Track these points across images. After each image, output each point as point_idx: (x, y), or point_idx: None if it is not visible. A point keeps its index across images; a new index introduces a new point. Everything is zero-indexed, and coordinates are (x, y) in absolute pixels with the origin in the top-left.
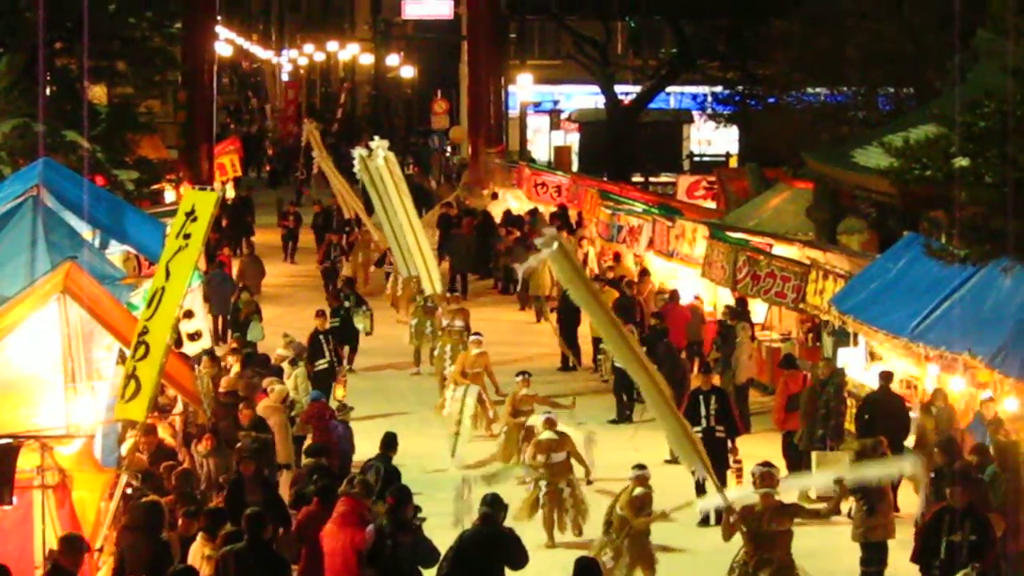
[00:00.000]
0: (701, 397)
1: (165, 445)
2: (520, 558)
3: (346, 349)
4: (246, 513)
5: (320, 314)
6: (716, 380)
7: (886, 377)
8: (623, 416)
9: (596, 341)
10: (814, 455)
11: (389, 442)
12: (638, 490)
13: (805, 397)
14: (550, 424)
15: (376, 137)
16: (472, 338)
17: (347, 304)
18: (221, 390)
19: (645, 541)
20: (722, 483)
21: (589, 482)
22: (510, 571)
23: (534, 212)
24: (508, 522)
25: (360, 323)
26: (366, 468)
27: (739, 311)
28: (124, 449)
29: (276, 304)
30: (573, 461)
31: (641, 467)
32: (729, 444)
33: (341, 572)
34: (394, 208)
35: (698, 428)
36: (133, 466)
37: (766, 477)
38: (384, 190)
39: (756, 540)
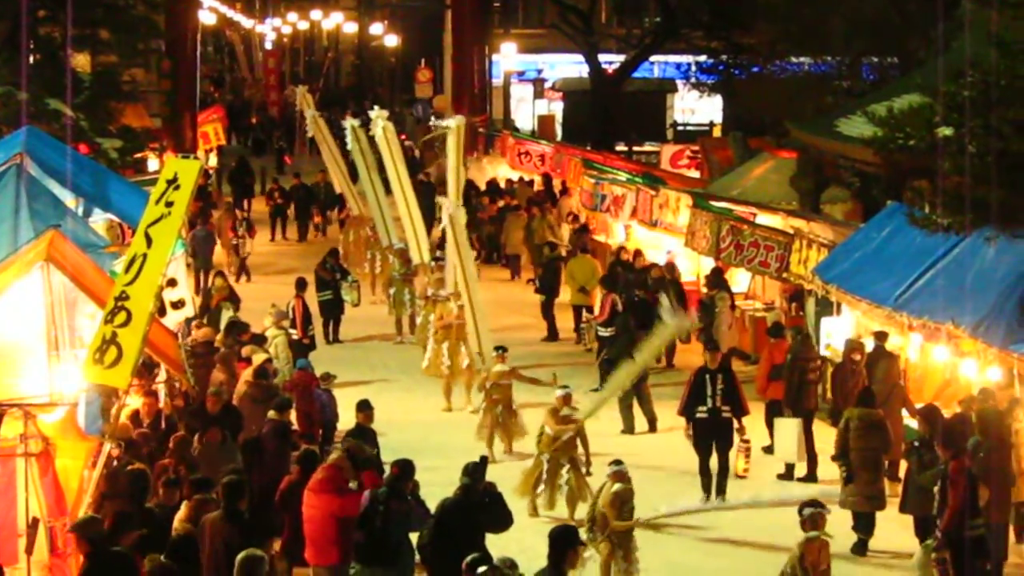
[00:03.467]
0: (708, 376)
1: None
2: (503, 520)
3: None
4: (223, 481)
5: (301, 284)
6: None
7: (881, 337)
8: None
9: (577, 309)
10: (775, 421)
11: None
12: (616, 486)
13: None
14: (566, 400)
15: (375, 107)
16: (495, 353)
17: (336, 276)
18: (198, 340)
19: (629, 538)
20: (727, 463)
21: (588, 473)
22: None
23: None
24: (508, 496)
25: (347, 295)
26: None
27: (717, 280)
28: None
29: (257, 272)
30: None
31: (618, 463)
32: (736, 424)
33: (319, 538)
34: (392, 177)
35: (704, 407)
36: (117, 434)
37: (817, 519)
38: (385, 158)
39: None
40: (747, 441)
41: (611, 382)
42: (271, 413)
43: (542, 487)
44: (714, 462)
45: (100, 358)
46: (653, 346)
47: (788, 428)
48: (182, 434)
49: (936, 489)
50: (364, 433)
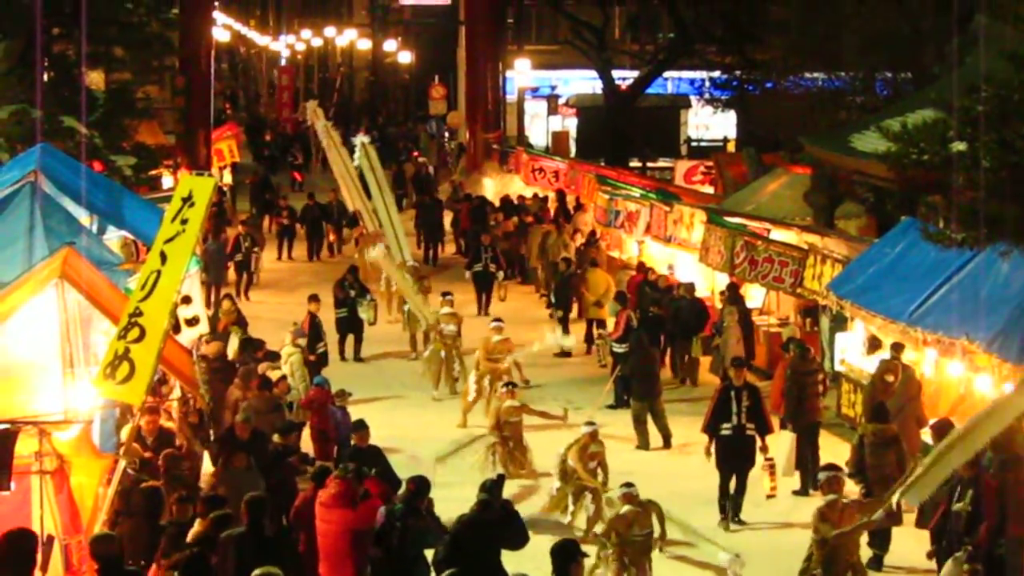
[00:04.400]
0: (733, 393)
1: (165, 430)
2: (519, 538)
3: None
4: (246, 498)
5: (314, 299)
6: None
7: (897, 348)
8: (621, 401)
9: (590, 324)
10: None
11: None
12: (625, 509)
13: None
14: (593, 437)
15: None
16: (493, 324)
17: (352, 293)
18: (209, 354)
19: (644, 557)
20: (745, 483)
21: (605, 487)
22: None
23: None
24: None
25: (364, 313)
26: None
27: (731, 296)
28: (124, 434)
29: (274, 290)
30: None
31: (629, 485)
32: (759, 443)
33: (333, 553)
34: (375, 194)
35: (728, 425)
36: (131, 454)
37: (832, 482)
38: (369, 180)
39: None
40: (771, 459)
41: None
42: (275, 437)
43: (569, 518)
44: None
45: (112, 373)
46: None
47: (782, 442)
48: (171, 451)
49: (959, 505)
50: (361, 454)
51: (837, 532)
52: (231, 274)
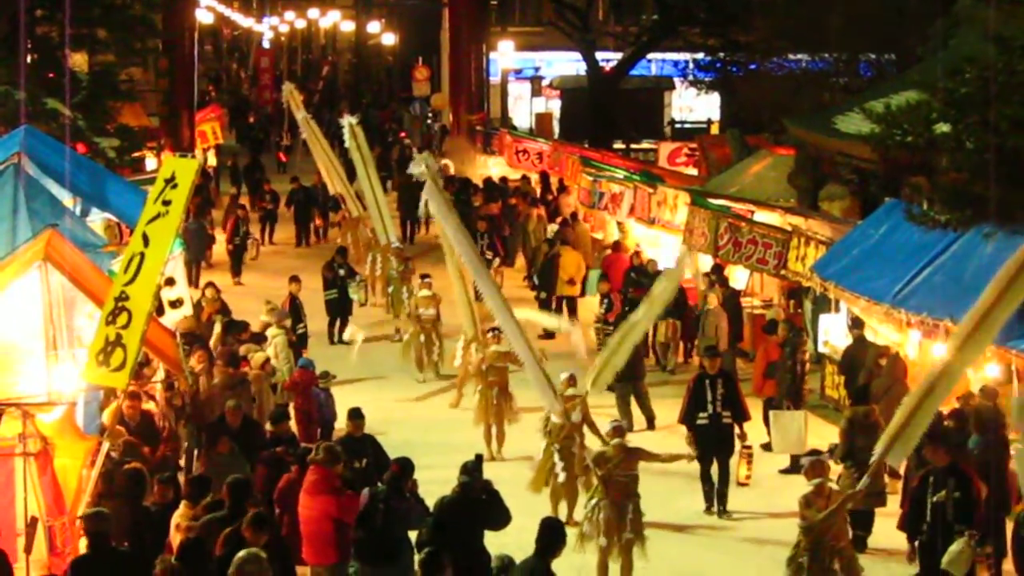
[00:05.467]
0: (707, 381)
1: (147, 412)
2: (501, 518)
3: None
4: (228, 481)
5: (294, 279)
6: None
7: (858, 324)
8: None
9: (559, 301)
10: (771, 414)
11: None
12: (614, 442)
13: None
14: (571, 382)
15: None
16: (491, 333)
17: (342, 273)
18: (180, 330)
19: (626, 496)
20: (728, 471)
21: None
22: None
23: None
24: (519, 495)
25: (355, 294)
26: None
27: (714, 278)
28: (106, 416)
29: (256, 271)
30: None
31: (618, 421)
32: (737, 430)
33: (317, 539)
34: (362, 175)
35: (704, 414)
36: (113, 436)
37: (816, 467)
38: (356, 162)
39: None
40: (749, 447)
41: (615, 336)
42: (268, 426)
43: (562, 476)
44: (715, 469)
45: (105, 360)
46: (661, 291)
47: (789, 420)
48: (129, 439)
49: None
50: (355, 443)
51: (823, 515)
52: (218, 254)
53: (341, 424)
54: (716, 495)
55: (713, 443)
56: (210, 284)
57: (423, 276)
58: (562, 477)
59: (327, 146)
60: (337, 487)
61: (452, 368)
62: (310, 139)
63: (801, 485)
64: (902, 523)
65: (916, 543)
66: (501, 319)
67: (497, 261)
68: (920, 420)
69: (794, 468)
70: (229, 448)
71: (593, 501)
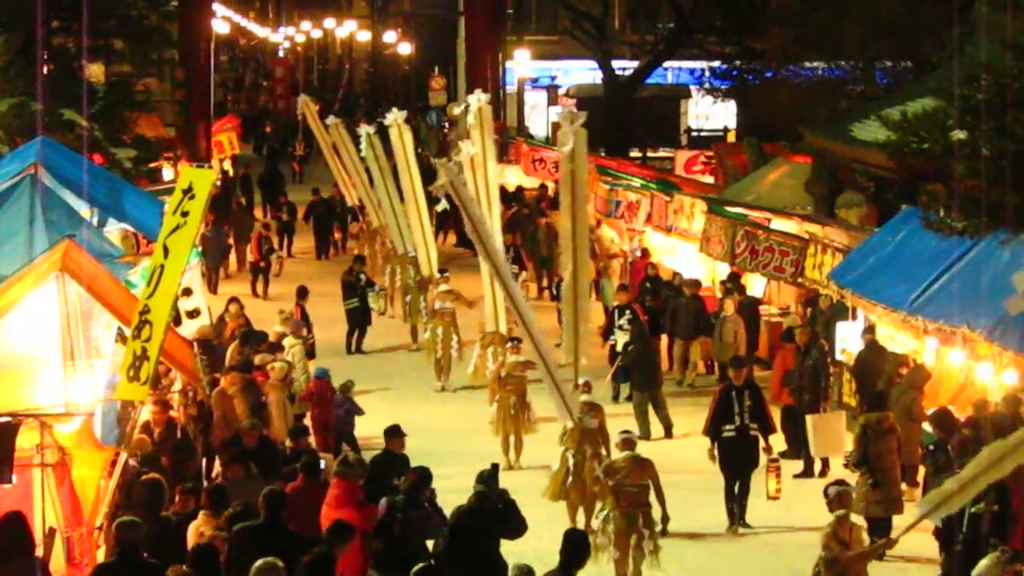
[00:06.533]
0: (734, 393)
1: (172, 420)
2: (517, 527)
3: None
4: (264, 492)
5: (303, 294)
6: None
7: (870, 330)
8: (618, 394)
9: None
10: (808, 419)
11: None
12: (624, 454)
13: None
14: (587, 388)
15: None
16: (510, 344)
17: (362, 281)
18: (194, 338)
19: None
20: (749, 484)
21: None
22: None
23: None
24: (537, 504)
25: (374, 303)
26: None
27: (730, 286)
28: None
29: (275, 283)
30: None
31: (627, 432)
32: (763, 443)
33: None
34: (406, 183)
35: (731, 426)
36: (138, 447)
37: (842, 497)
38: (400, 164)
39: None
40: (776, 460)
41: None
42: (287, 442)
43: (569, 479)
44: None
45: (136, 375)
46: None
47: (831, 420)
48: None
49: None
50: (392, 460)
51: (851, 554)
52: (233, 264)
53: (358, 433)
54: (738, 508)
55: (738, 456)
56: (234, 299)
57: (441, 271)
58: (570, 480)
59: (355, 154)
60: (360, 499)
61: (467, 376)
62: (335, 146)
63: (816, 491)
64: (938, 531)
65: (947, 552)
66: (524, 329)
67: (524, 275)
68: (971, 488)
69: (808, 471)
70: (243, 473)
71: (604, 511)
